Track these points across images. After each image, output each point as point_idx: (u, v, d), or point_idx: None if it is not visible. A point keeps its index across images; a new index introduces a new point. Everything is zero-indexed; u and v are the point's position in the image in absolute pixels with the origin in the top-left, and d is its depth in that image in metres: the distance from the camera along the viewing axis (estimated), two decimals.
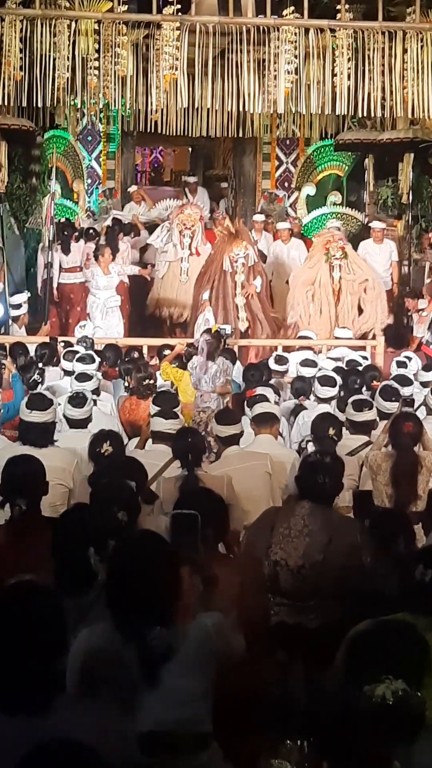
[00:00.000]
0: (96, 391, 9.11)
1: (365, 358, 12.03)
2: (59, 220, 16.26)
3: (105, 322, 14.06)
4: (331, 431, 7.29)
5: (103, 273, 14.22)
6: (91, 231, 15.77)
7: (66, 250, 15.53)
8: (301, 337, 13.48)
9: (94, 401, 8.43)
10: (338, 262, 14.53)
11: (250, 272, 13.85)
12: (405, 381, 9.50)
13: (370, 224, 15.97)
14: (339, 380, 9.60)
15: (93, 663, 3.51)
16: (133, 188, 18.38)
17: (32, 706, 2.81)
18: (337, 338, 13.58)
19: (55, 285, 15.38)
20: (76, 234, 15.86)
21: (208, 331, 11.44)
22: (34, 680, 2.84)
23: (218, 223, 16.49)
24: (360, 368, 10.94)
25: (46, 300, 15.37)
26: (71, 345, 11.43)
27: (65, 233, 15.74)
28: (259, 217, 16.85)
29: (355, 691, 2.86)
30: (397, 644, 3.14)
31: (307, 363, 10.92)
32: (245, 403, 9.05)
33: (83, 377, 9.13)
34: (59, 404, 8.43)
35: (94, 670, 3.50)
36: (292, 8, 13.20)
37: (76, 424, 7.70)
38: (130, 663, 3.47)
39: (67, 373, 10.18)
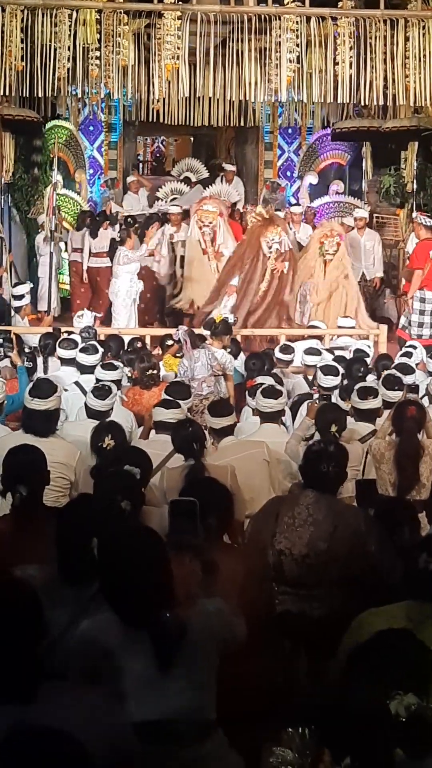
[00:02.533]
0: (118, 383, 9.08)
1: (369, 347, 12.05)
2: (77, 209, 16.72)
3: (126, 308, 14.25)
4: (334, 428, 7.23)
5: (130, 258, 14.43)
6: (129, 219, 15.97)
7: (94, 234, 16.12)
8: (308, 327, 13.53)
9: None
10: (330, 257, 14.61)
11: (279, 258, 13.87)
12: (407, 369, 9.50)
13: (413, 219, 15.79)
14: (342, 370, 9.60)
15: (95, 653, 3.51)
16: (131, 178, 18.35)
17: (12, 695, 2.82)
18: (340, 327, 13.60)
19: (85, 268, 16.19)
20: (108, 221, 16.26)
21: (209, 320, 11.43)
22: (15, 669, 2.85)
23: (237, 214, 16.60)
24: (367, 357, 10.95)
25: (50, 291, 15.40)
26: (86, 336, 11.35)
27: (97, 219, 16.11)
28: (297, 209, 16.88)
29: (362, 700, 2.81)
30: (399, 656, 3.07)
31: (311, 351, 10.94)
32: (246, 392, 9.06)
33: (109, 366, 9.10)
34: (66, 390, 8.43)
35: (97, 659, 3.51)
36: None
37: (95, 414, 7.67)
38: (133, 652, 3.47)
39: (64, 362, 10.15)
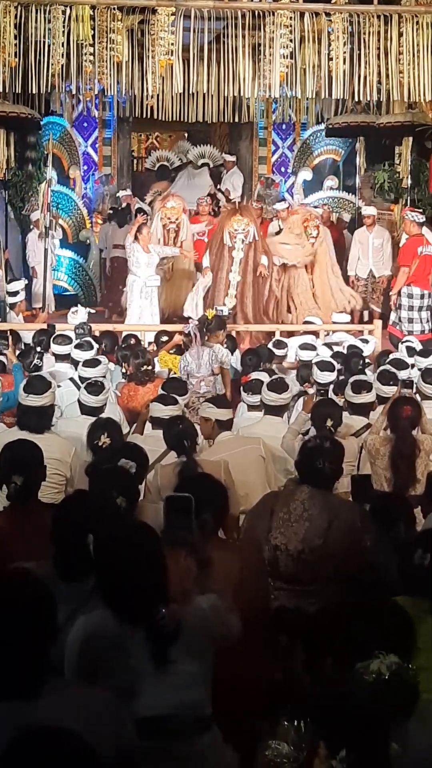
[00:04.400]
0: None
1: (365, 341, 12.05)
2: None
3: (143, 302, 14.17)
4: (329, 422, 7.24)
5: (143, 251, 14.16)
6: None
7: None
8: (304, 323, 13.54)
9: None
10: (313, 240, 14.73)
11: (251, 249, 13.84)
12: (402, 365, 9.51)
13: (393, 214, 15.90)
14: (337, 365, 9.61)
15: (92, 649, 3.52)
16: (123, 194, 18.24)
17: (19, 691, 2.82)
18: (334, 323, 13.61)
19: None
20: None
21: (202, 317, 11.43)
22: (21, 665, 2.85)
23: (202, 209, 16.57)
24: (362, 353, 10.97)
25: (45, 288, 15.39)
26: (81, 333, 11.30)
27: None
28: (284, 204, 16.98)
29: (348, 670, 2.92)
30: (385, 623, 3.19)
31: (306, 347, 10.95)
32: (241, 388, 9.07)
33: (92, 363, 9.10)
34: (60, 386, 8.42)
35: (93, 656, 3.52)
36: None
37: (89, 410, 7.67)
38: (129, 648, 3.48)
39: (58, 357, 10.14)
